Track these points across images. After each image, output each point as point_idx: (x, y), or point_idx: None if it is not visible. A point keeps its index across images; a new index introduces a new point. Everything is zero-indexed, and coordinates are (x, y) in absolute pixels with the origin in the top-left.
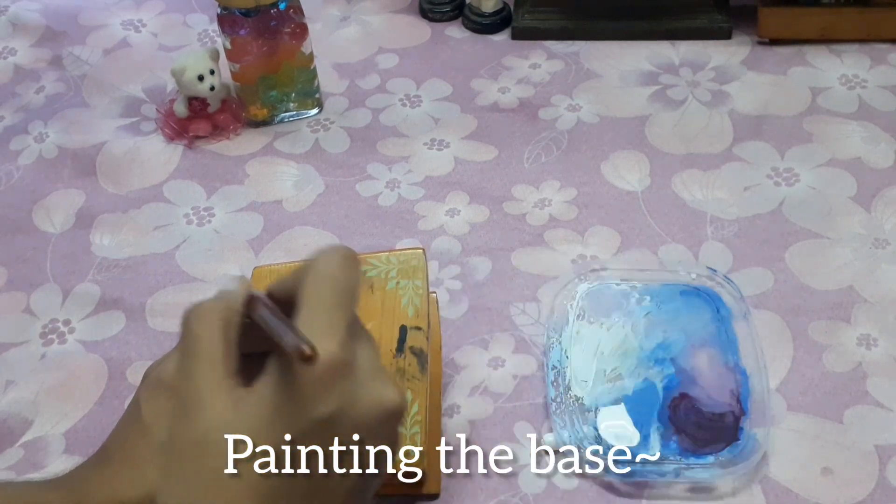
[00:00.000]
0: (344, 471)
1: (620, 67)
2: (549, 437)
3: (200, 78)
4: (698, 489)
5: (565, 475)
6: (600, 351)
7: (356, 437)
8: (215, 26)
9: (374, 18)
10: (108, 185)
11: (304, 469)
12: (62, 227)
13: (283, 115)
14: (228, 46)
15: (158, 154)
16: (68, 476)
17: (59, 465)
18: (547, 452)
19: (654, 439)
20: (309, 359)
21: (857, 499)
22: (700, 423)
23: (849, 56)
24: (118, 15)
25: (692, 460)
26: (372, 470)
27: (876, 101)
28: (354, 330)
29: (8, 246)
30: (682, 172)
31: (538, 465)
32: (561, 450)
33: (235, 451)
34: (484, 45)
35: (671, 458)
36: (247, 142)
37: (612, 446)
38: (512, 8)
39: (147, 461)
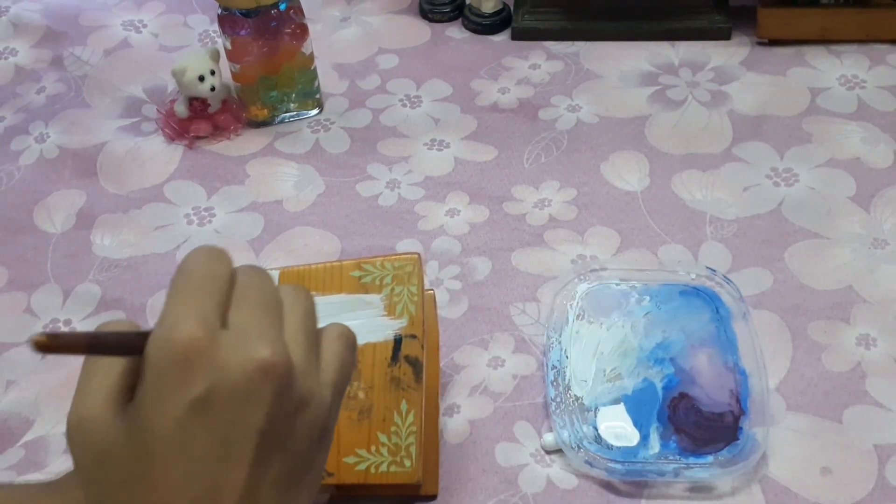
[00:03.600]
0: (238, 440)
1: (620, 68)
2: (548, 436)
3: (201, 78)
4: (698, 489)
5: (565, 475)
6: (600, 351)
7: (238, 403)
8: (216, 27)
9: (374, 19)
10: (108, 185)
11: (199, 451)
12: (63, 227)
13: (283, 115)
14: (229, 47)
15: (159, 154)
16: (64, 480)
17: (59, 464)
18: (547, 452)
19: (654, 439)
20: (144, 336)
21: (856, 498)
22: (699, 423)
23: (848, 56)
24: (119, 15)
25: (691, 460)
26: (280, 431)
27: (875, 102)
28: (229, 299)
29: (9, 246)
30: (682, 173)
31: (538, 464)
32: (561, 449)
33: (129, 459)
34: (484, 45)
35: (670, 457)
36: (247, 142)
37: (612, 446)
38: (512, 8)
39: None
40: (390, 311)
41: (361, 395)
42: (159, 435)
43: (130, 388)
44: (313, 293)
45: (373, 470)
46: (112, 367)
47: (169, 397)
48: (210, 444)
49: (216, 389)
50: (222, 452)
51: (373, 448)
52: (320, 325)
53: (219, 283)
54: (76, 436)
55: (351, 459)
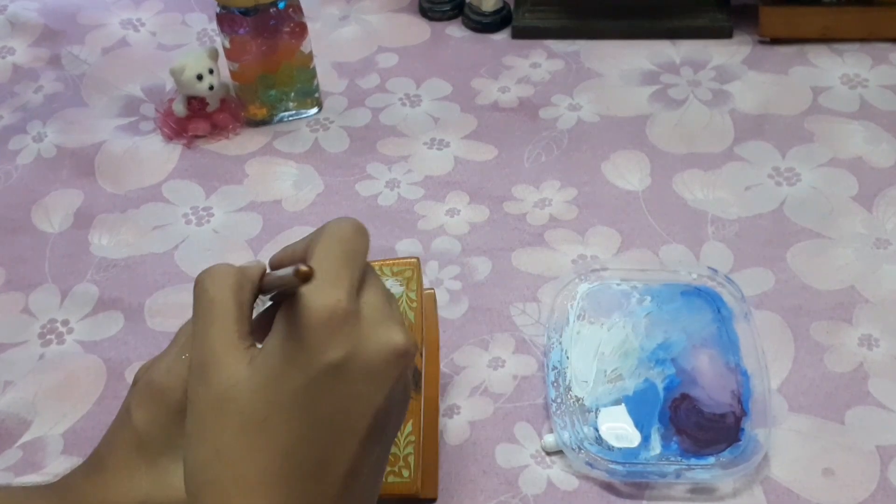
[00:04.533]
0: (358, 415)
1: (621, 67)
2: (549, 437)
3: (199, 77)
4: (699, 490)
5: (566, 476)
6: (601, 351)
7: (365, 378)
8: (214, 25)
9: (374, 17)
10: (106, 184)
11: (322, 415)
12: (61, 226)
13: (282, 114)
14: (227, 46)
15: (157, 154)
16: (61, 482)
17: (57, 465)
18: (547, 453)
19: (655, 440)
20: (307, 276)
21: (858, 499)
22: (701, 424)
23: (850, 55)
24: (117, 14)
25: (693, 461)
26: (389, 412)
27: (877, 101)
28: (364, 281)
29: (6, 246)
30: (683, 172)
31: (538, 466)
32: (561, 451)
33: (255, 404)
34: (484, 44)
35: (672, 458)
36: (246, 141)
37: (613, 447)
38: (512, 7)
39: (140, 469)
40: None
41: None
42: (288, 390)
43: (245, 336)
44: None
45: None
46: (227, 315)
47: (307, 356)
48: (332, 412)
49: (352, 360)
50: (341, 422)
51: None
52: None
53: (362, 259)
54: (198, 376)
55: None
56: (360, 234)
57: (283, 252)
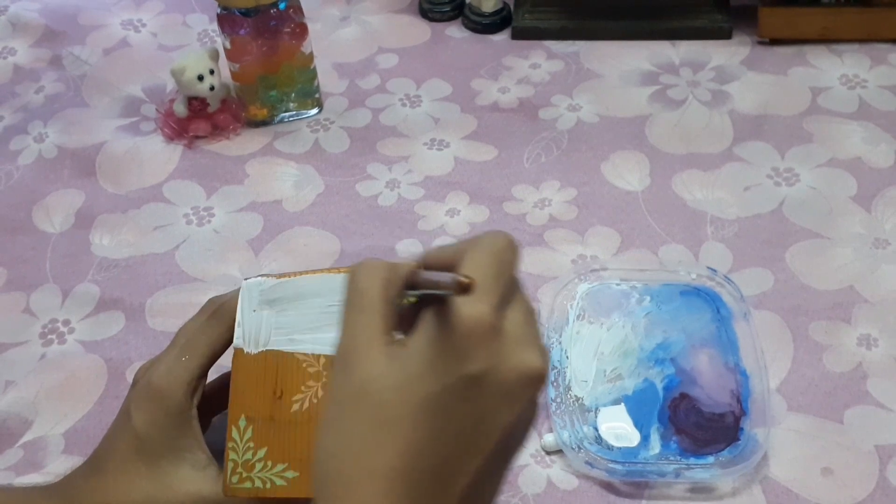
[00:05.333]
0: (487, 430)
1: (620, 67)
2: (549, 437)
3: (200, 78)
4: (698, 489)
5: (565, 475)
6: (600, 351)
7: (498, 396)
8: (215, 26)
9: (374, 18)
10: (107, 185)
11: (452, 424)
12: (62, 227)
13: (282, 114)
14: (228, 46)
15: (158, 154)
16: (62, 483)
17: (58, 465)
18: (547, 453)
19: (655, 439)
20: (467, 288)
21: (857, 499)
22: (700, 424)
23: (849, 56)
24: (118, 15)
25: (692, 460)
26: (515, 432)
27: (876, 101)
28: (511, 297)
29: (7, 246)
30: (683, 172)
31: (538, 465)
32: (561, 450)
33: (391, 401)
34: (484, 44)
35: (671, 458)
36: (246, 142)
37: (613, 447)
38: (512, 8)
39: (140, 471)
40: None
41: None
42: (424, 393)
43: (389, 331)
44: (310, 301)
45: None
46: (375, 309)
47: (447, 363)
48: (463, 423)
49: (489, 375)
50: (470, 434)
51: None
52: (321, 334)
53: (511, 274)
54: (341, 364)
55: None
56: (513, 250)
57: (435, 252)
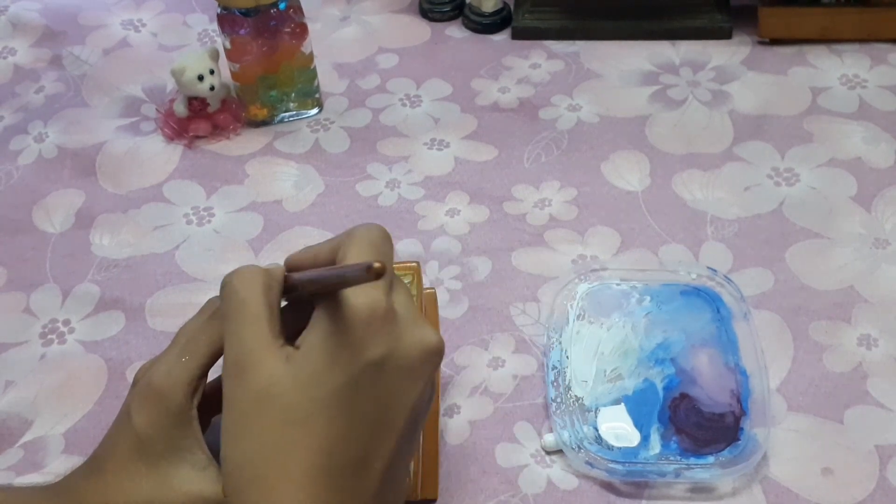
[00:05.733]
0: (396, 411)
1: (620, 67)
2: (549, 437)
3: (200, 78)
4: (698, 489)
5: (566, 475)
6: (600, 351)
7: (401, 376)
8: (215, 26)
9: (374, 18)
10: (107, 185)
11: (363, 412)
12: (62, 227)
13: (282, 114)
14: (228, 46)
15: (158, 154)
16: (62, 484)
17: (58, 465)
18: (547, 453)
19: (655, 439)
20: (381, 271)
21: (857, 499)
22: (700, 424)
23: (849, 56)
24: (118, 15)
25: (692, 460)
26: (420, 407)
27: (876, 101)
28: (394, 282)
29: (7, 246)
30: (683, 172)
31: (538, 465)
32: (561, 450)
33: (298, 401)
34: (484, 44)
35: (671, 458)
36: (246, 142)
37: (613, 447)
38: (512, 8)
39: (140, 472)
40: None
41: None
42: (331, 387)
43: (277, 334)
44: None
45: None
46: (260, 315)
47: (349, 353)
48: (372, 408)
49: (391, 358)
50: (381, 418)
51: None
52: None
53: (391, 262)
54: (235, 375)
55: None
56: (388, 239)
57: (302, 253)
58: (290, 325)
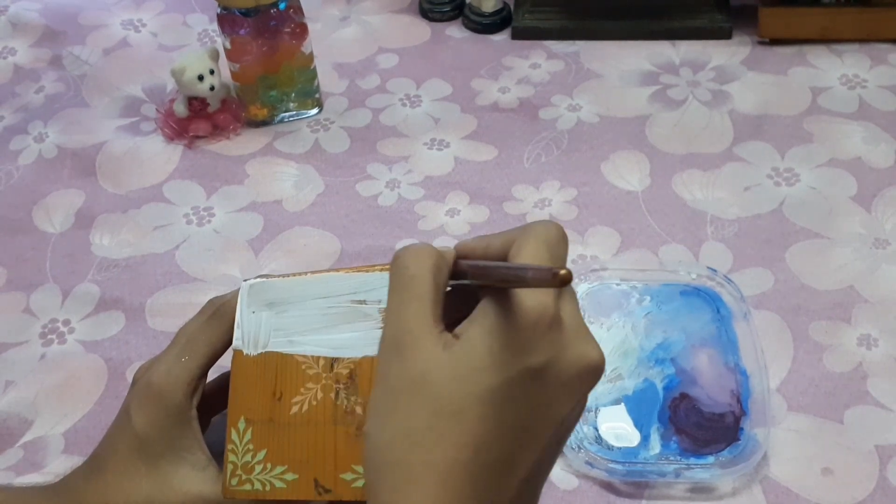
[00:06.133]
0: (546, 421)
1: (620, 67)
2: None
3: (200, 78)
4: (698, 489)
5: (566, 475)
6: None
7: (558, 388)
8: (215, 26)
9: (374, 18)
10: (107, 185)
11: (514, 416)
12: (62, 227)
13: (282, 114)
14: (228, 46)
15: (158, 154)
16: (61, 484)
17: (58, 465)
18: None
19: (655, 439)
20: (566, 280)
21: (857, 499)
22: (700, 424)
23: (849, 56)
24: (118, 15)
25: (692, 460)
26: (569, 423)
27: (876, 101)
28: (564, 288)
29: (8, 246)
30: (683, 172)
31: None
32: None
33: (453, 393)
34: (484, 45)
35: (671, 458)
36: (247, 142)
37: (613, 447)
38: (512, 8)
39: (140, 472)
40: None
41: (359, 410)
42: (487, 385)
43: (439, 319)
44: (310, 303)
45: None
46: (426, 295)
47: (510, 355)
48: (523, 415)
49: (550, 367)
50: (530, 427)
51: None
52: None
53: (564, 262)
54: (393, 351)
55: (348, 476)
56: (564, 241)
57: (474, 241)
58: (450, 312)
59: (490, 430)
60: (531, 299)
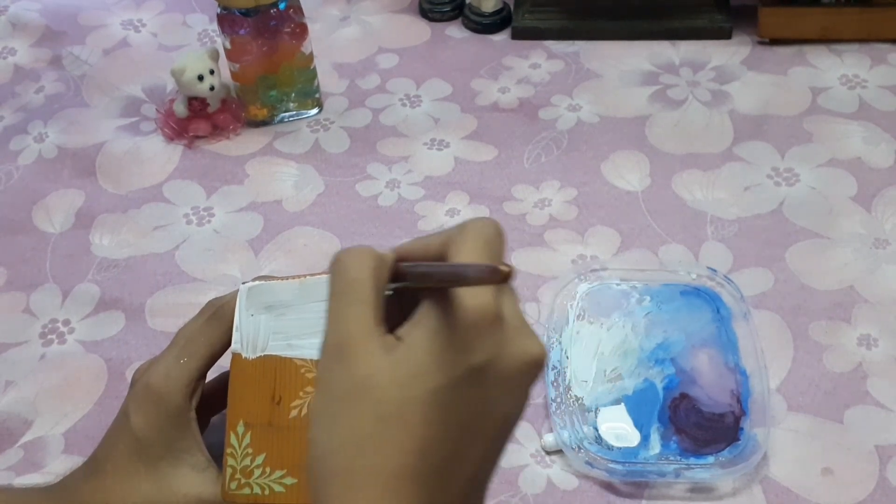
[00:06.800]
0: (490, 418)
1: (620, 67)
2: (549, 437)
3: (200, 78)
4: (698, 489)
5: (566, 475)
6: (600, 351)
7: (501, 385)
8: (215, 26)
9: (374, 18)
10: (107, 185)
11: (458, 416)
12: (62, 227)
13: (282, 115)
14: (228, 46)
15: (158, 154)
16: (61, 484)
17: (58, 465)
18: (547, 453)
19: (655, 439)
20: (507, 275)
21: (857, 499)
22: (700, 424)
23: (849, 56)
24: (118, 15)
25: (692, 460)
26: (512, 418)
27: (876, 101)
28: (503, 295)
29: (8, 246)
30: (683, 172)
31: (538, 465)
32: (561, 450)
33: (396, 398)
34: (484, 44)
35: (671, 458)
36: (246, 142)
37: (613, 447)
38: (512, 8)
39: (139, 473)
40: None
41: None
42: (430, 387)
43: (380, 322)
44: (308, 306)
45: None
46: (367, 298)
47: (453, 355)
48: (468, 414)
49: (493, 365)
50: (474, 425)
51: None
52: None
53: (501, 258)
54: (335, 357)
55: None
56: (502, 237)
57: (413, 243)
58: (392, 316)
59: (435, 433)
60: (471, 298)
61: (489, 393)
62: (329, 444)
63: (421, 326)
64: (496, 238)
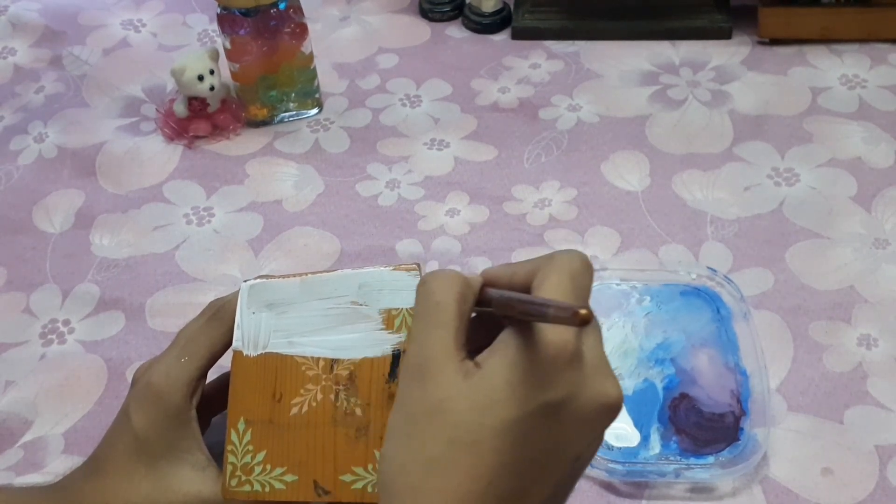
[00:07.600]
0: (561, 457)
1: (620, 67)
2: None
3: (200, 78)
4: (698, 489)
5: None
6: None
7: (575, 425)
8: (215, 26)
9: (374, 18)
10: (107, 185)
11: (529, 450)
12: (62, 227)
13: (282, 115)
14: (228, 46)
15: (158, 154)
16: (61, 484)
17: (58, 465)
18: None
19: (655, 439)
20: (585, 320)
21: (857, 499)
22: (700, 424)
23: (849, 56)
24: (118, 15)
25: (692, 460)
26: (583, 460)
27: (876, 101)
28: (586, 333)
29: (8, 246)
30: (683, 172)
31: None
32: None
33: (470, 423)
34: (484, 45)
35: (671, 458)
36: (246, 142)
37: (613, 447)
38: (512, 8)
39: (139, 472)
40: (388, 324)
41: (358, 411)
42: (504, 417)
43: (462, 346)
44: (309, 304)
45: (370, 488)
46: (451, 322)
47: (529, 389)
48: (539, 450)
49: (569, 403)
50: (544, 462)
51: (370, 466)
52: (320, 337)
53: (587, 298)
54: (415, 377)
55: (348, 478)
56: (589, 271)
57: (500, 269)
58: (474, 338)
59: (505, 463)
60: (553, 334)
61: (562, 431)
62: (401, 460)
63: (500, 355)
64: (583, 272)
